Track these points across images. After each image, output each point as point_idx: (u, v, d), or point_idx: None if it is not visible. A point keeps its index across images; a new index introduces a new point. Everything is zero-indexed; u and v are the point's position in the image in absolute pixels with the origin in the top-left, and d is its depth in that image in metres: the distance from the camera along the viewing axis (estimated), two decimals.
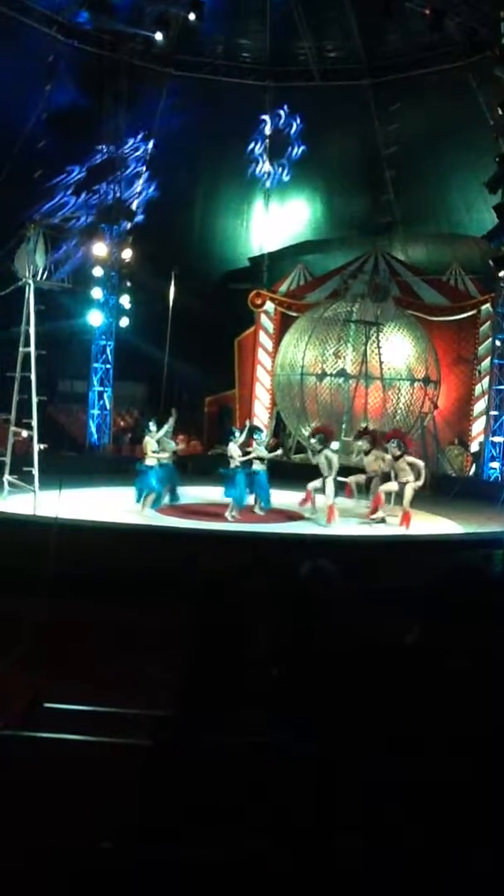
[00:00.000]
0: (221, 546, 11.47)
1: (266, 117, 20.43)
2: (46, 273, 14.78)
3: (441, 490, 19.21)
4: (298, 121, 20.28)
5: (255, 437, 15.26)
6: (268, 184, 21.12)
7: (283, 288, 24.12)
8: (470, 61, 19.87)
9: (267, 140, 21.33)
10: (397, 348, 21.28)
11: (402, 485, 14.39)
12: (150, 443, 14.34)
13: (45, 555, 8.61)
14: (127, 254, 21.96)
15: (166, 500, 15.06)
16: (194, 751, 3.09)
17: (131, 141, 20.45)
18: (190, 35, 20.87)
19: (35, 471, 13.64)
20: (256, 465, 14.87)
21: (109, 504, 14.86)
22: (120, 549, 10.99)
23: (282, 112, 20.72)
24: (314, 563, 3.77)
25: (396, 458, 14.45)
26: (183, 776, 3.01)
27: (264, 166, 21.33)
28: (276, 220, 24.95)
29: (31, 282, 14.28)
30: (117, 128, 21.40)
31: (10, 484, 14.29)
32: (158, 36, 19.69)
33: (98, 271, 21.36)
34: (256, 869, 2.69)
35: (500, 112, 17.82)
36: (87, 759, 3.43)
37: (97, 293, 21.46)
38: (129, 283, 22.02)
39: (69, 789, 3.24)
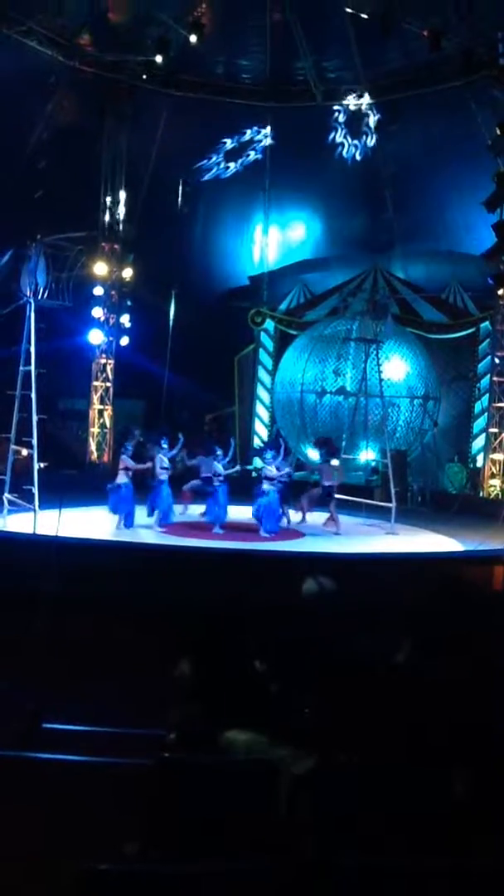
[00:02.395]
0: (221, 565, 11.46)
1: (347, 102, 21.13)
2: (48, 291, 14.79)
3: (441, 507, 19.21)
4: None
5: (263, 456, 15.10)
6: (357, 156, 21.40)
7: (283, 306, 24.19)
8: (468, 81, 19.96)
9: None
10: (397, 366, 21.31)
11: (323, 488, 15.34)
12: (161, 460, 14.51)
13: (44, 573, 8.61)
14: (127, 272, 22.05)
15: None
16: (194, 769, 3.09)
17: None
18: (190, 55, 21.00)
19: (35, 489, 13.62)
20: (266, 485, 14.62)
21: (109, 522, 14.83)
22: (119, 568, 10.98)
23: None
24: (313, 581, 3.77)
25: (323, 462, 15.57)
26: (183, 794, 3.00)
27: (346, 146, 21.64)
28: (277, 238, 25.03)
29: (32, 300, 14.31)
30: (118, 147, 21.60)
31: (10, 502, 14.28)
32: (158, 59, 19.84)
33: (99, 290, 21.44)
34: (256, 884, 2.68)
35: (498, 131, 17.93)
36: (86, 780, 3.42)
37: (98, 312, 21.52)
38: (129, 302, 22.10)
39: (68, 809, 3.23)
